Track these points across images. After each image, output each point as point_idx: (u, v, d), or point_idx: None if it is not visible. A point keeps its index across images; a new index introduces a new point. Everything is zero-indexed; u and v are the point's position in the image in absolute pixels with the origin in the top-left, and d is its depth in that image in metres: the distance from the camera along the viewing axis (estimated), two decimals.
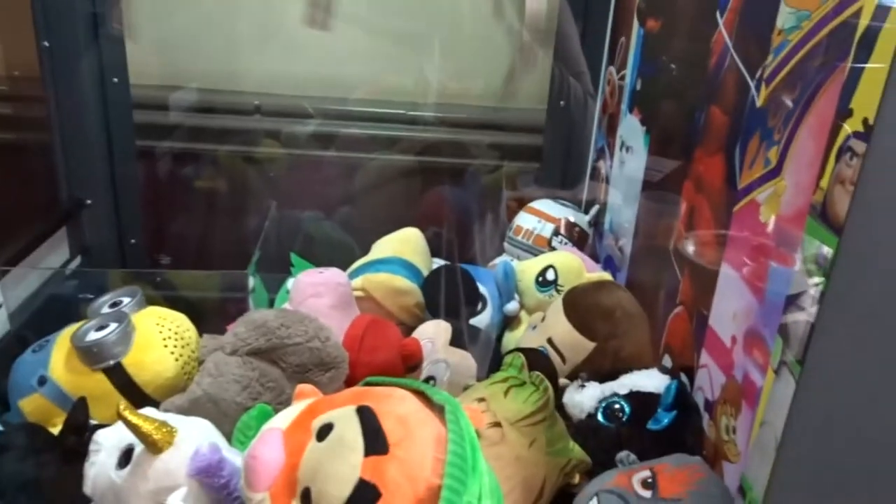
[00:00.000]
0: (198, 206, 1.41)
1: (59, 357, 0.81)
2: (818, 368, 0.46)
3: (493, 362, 0.90)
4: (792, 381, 0.57)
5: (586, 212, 1.25)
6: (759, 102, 0.69)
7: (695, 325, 0.80)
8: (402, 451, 0.50)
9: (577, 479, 0.72)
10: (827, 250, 0.55)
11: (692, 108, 0.84)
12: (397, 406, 0.54)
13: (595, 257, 1.19)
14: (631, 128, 1.06)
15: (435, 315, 0.97)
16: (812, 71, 0.60)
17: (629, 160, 1.07)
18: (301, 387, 0.63)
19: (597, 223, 1.24)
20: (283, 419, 0.56)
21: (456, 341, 0.88)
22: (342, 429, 0.51)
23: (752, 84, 0.70)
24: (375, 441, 0.50)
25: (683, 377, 0.80)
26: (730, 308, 0.71)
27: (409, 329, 0.93)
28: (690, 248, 0.83)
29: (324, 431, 0.52)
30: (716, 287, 0.75)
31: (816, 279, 0.56)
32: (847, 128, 0.53)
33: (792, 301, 0.60)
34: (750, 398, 0.66)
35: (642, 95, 1.04)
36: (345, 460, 0.50)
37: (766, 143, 0.66)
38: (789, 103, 0.63)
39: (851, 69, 0.53)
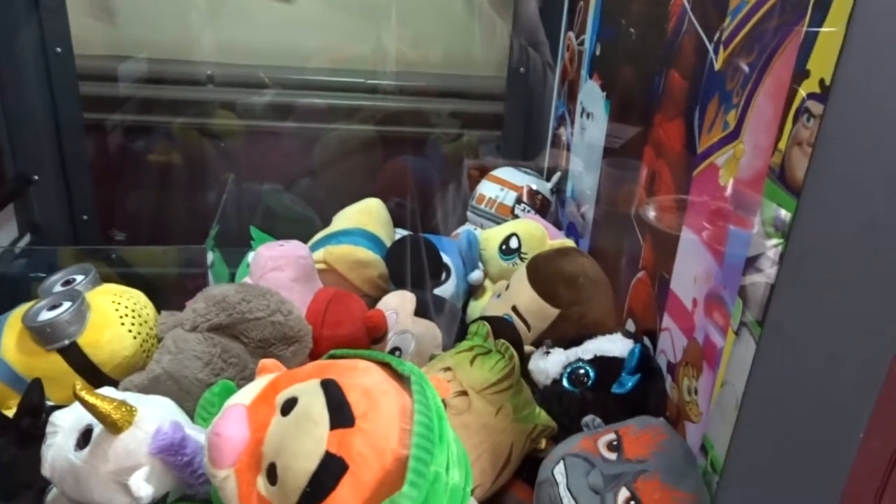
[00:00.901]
0: (152, 180, 1.37)
1: (10, 338, 0.78)
2: (777, 329, 0.47)
3: (458, 332, 0.90)
4: (752, 341, 0.58)
5: (548, 179, 1.25)
6: (717, 66, 0.69)
7: (657, 289, 0.80)
8: (368, 423, 0.50)
9: (543, 444, 0.73)
10: (785, 213, 0.56)
11: (651, 72, 0.84)
12: (362, 378, 0.54)
13: (558, 224, 1.19)
14: (591, 94, 1.06)
15: (399, 286, 0.96)
16: (769, 33, 0.60)
17: (590, 126, 1.07)
18: (264, 361, 0.62)
19: (559, 190, 1.24)
20: (246, 395, 0.55)
21: (421, 312, 0.88)
22: (307, 402, 0.51)
23: (710, 47, 0.70)
24: (340, 414, 0.49)
25: (646, 341, 0.81)
26: (690, 271, 0.72)
27: (373, 301, 0.92)
28: (651, 214, 0.83)
29: (288, 406, 0.52)
30: (676, 251, 0.75)
31: (775, 241, 0.57)
32: (803, 89, 0.53)
33: (751, 263, 0.60)
34: (711, 359, 0.67)
35: (602, 61, 1.04)
36: (310, 434, 0.49)
37: (725, 107, 0.66)
38: (747, 66, 0.63)
39: (808, 30, 0.53)
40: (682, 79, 0.76)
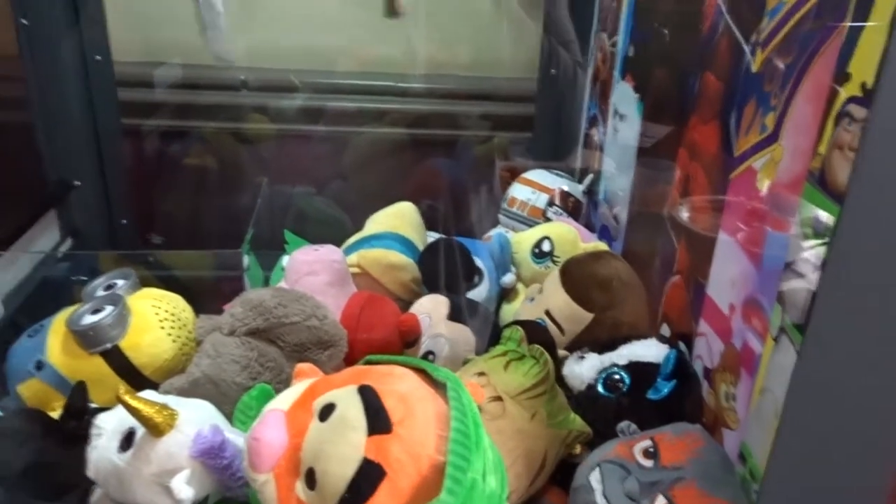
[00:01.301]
0: (188, 184, 1.40)
1: (55, 341, 0.80)
2: (820, 336, 0.46)
3: (491, 335, 0.90)
4: (791, 348, 0.58)
5: (580, 181, 1.24)
6: (754, 67, 0.68)
7: (692, 293, 0.80)
8: (405, 429, 0.50)
9: (578, 449, 0.73)
10: (825, 216, 0.55)
11: (686, 74, 0.83)
12: (398, 384, 0.54)
13: (590, 227, 1.18)
14: (624, 95, 1.05)
15: (432, 289, 0.96)
16: (808, 34, 0.59)
17: (623, 128, 1.06)
18: (300, 366, 0.63)
19: (591, 192, 1.23)
20: (285, 400, 0.56)
21: (454, 315, 0.88)
22: (344, 408, 0.51)
23: (746, 49, 0.69)
24: (378, 420, 0.50)
25: (682, 346, 0.80)
26: (727, 276, 0.71)
27: (406, 304, 0.93)
28: (686, 216, 0.83)
29: (326, 411, 0.52)
30: (713, 255, 0.74)
31: (814, 246, 0.56)
32: (844, 92, 0.53)
33: (789, 268, 0.60)
34: (749, 365, 0.66)
35: (634, 62, 1.03)
36: (348, 440, 0.49)
37: (762, 109, 0.65)
38: (785, 68, 0.62)
39: (848, 32, 0.53)
40: (718, 81, 0.75)
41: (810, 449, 0.49)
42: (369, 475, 0.48)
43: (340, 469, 0.49)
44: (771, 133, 0.63)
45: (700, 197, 0.79)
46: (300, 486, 0.51)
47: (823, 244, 0.55)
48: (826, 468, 0.48)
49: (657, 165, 0.94)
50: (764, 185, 0.64)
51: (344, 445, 0.49)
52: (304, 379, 0.62)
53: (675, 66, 0.89)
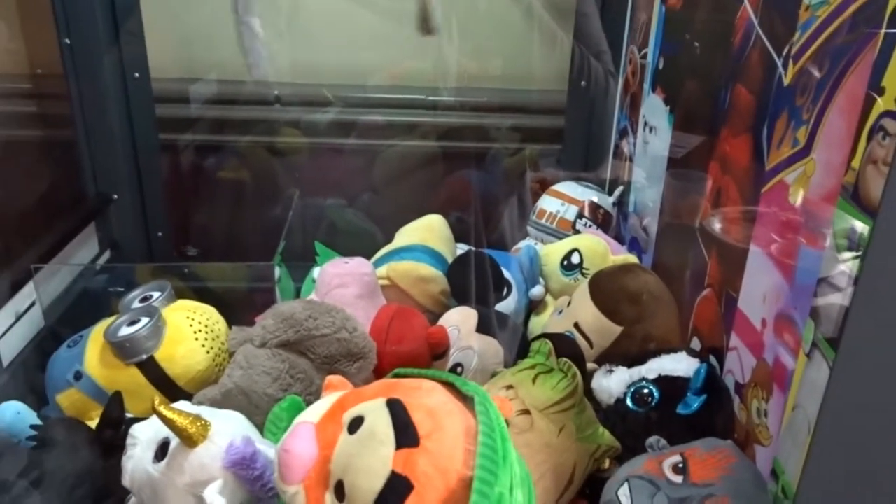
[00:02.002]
0: (222, 197, 1.42)
1: (93, 352, 0.82)
2: (853, 352, 0.46)
3: (519, 348, 0.90)
4: (824, 363, 0.57)
5: (610, 193, 1.24)
6: (786, 81, 0.67)
7: (723, 307, 0.79)
8: (433, 443, 0.50)
9: (606, 464, 0.72)
10: (858, 231, 0.54)
11: (717, 87, 0.82)
12: (426, 398, 0.55)
13: (620, 239, 1.18)
14: (654, 107, 1.05)
15: (461, 302, 0.97)
16: (841, 47, 0.58)
17: (653, 140, 1.06)
18: (330, 378, 0.64)
19: (620, 204, 1.23)
20: (314, 412, 0.57)
21: (482, 328, 0.88)
22: (373, 422, 0.52)
23: (778, 62, 0.69)
24: (406, 434, 0.50)
25: (713, 360, 0.80)
26: (759, 290, 0.70)
27: (434, 317, 0.93)
28: (718, 230, 0.82)
29: (354, 424, 0.53)
30: (744, 269, 0.74)
31: (848, 261, 0.55)
32: (879, 105, 0.52)
33: (823, 283, 0.59)
34: (781, 381, 0.65)
35: (665, 74, 1.02)
36: (376, 453, 0.50)
37: (795, 123, 0.65)
38: (818, 82, 0.61)
39: (882, 45, 0.52)
40: (750, 94, 0.74)
41: (844, 466, 0.48)
42: (397, 488, 0.48)
43: (369, 482, 0.49)
44: (803, 147, 0.63)
45: (732, 209, 0.79)
46: (329, 498, 0.52)
47: (856, 258, 0.54)
48: (860, 485, 0.47)
49: (688, 177, 0.93)
50: (796, 199, 0.64)
51: (372, 459, 0.50)
52: (334, 392, 0.63)
53: (706, 78, 0.88)
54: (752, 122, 0.73)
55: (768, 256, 0.69)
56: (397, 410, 0.51)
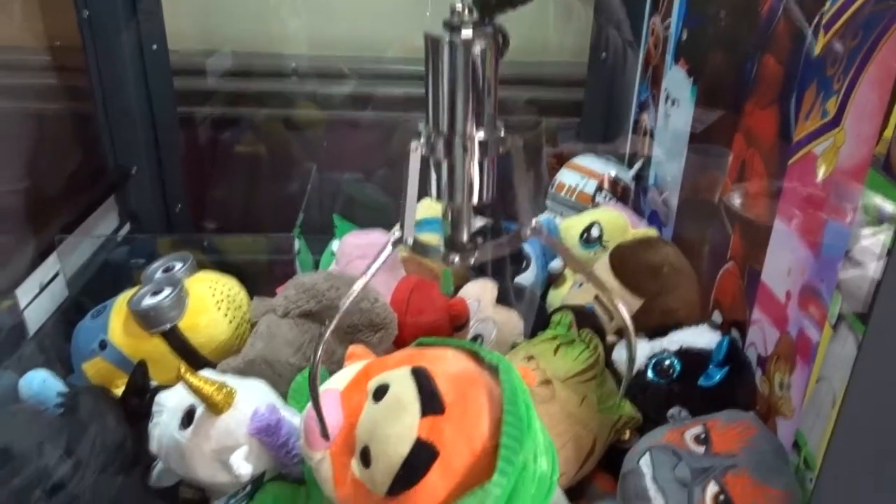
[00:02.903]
0: (239, 170, 1.43)
1: (117, 322, 0.83)
2: (883, 326, 0.45)
3: (538, 320, 0.90)
4: (851, 337, 0.56)
5: (630, 166, 1.23)
6: (815, 51, 0.66)
7: (746, 280, 0.78)
8: (458, 410, 0.51)
9: (627, 435, 0.73)
10: (889, 204, 0.53)
11: (743, 58, 0.81)
12: (450, 366, 0.55)
13: (639, 212, 1.17)
14: (676, 80, 1.04)
15: (480, 274, 0.97)
16: (874, 16, 0.57)
17: (675, 113, 1.05)
18: (353, 348, 0.64)
19: (640, 177, 1.22)
20: (339, 380, 0.57)
21: (502, 300, 0.89)
22: (398, 389, 0.52)
23: (808, 32, 0.67)
24: (431, 401, 0.50)
25: (735, 333, 0.79)
26: (784, 263, 0.70)
27: (454, 289, 0.93)
28: (742, 203, 0.81)
29: (380, 392, 0.53)
30: (769, 242, 0.73)
31: (878, 233, 0.55)
32: None
33: (850, 255, 0.58)
34: (805, 354, 0.65)
35: (688, 46, 1.01)
36: (401, 420, 0.50)
37: (824, 94, 0.64)
38: (849, 51, 0.60)
39: None
40: (777, 65, 0.73)
41: (869, 438, 0.48)
42: (423, 455, 0.49)
43: (394, 448, 0.50)
44: (832, 118, 0.62)
45: (756, 182, 0.78)
46: (355, 464, 0.52)
47: (887, 230, 0.54)
48: (885, 457, 0.47)
49: (710, 151, 0.92)
50: (825, 172, 0.63)
51: (397, 426, 0.50)
52: (357, 361, 0.64)
53: (732, 49, 0.87)
54: (779, 93, 0.72)
55: (794, 229, 0.68)
56: (422, 378, 0.52)
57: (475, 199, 0.46)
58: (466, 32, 0.40)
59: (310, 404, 0.57)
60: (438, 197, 0.46)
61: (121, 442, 0.71)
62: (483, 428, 0.50)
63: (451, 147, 0.42)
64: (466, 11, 0.40)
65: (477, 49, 0.40)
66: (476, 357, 0.58)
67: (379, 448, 0.51)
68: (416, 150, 0.44)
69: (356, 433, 0.53)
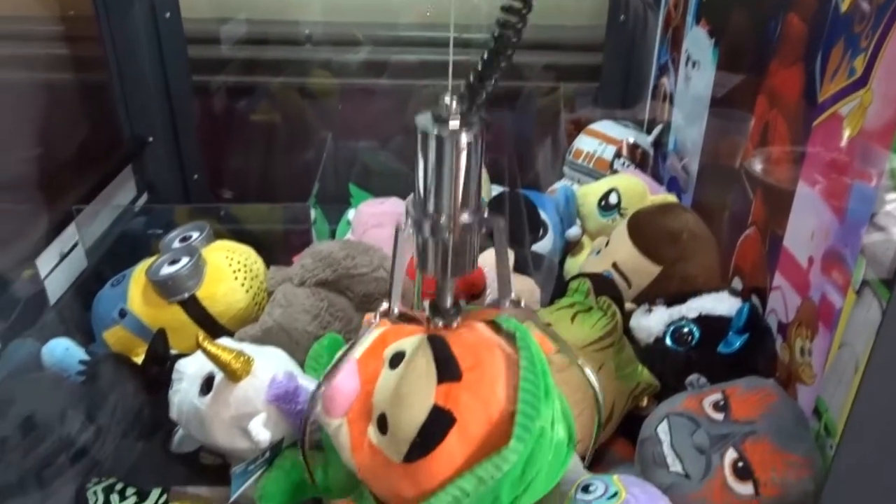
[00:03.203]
0: (255, 139, 1.42)
1: (136, 291, 0.84)
2: None
3: (555, 289, 0.90)
4: (875, 302, 0.55)
5: (649, 132, 1.21)
6: (843, 8, 0.64)
7: (768, 246, 0.77)
8: (475, 377, 0.50)
9: (645, 401, 0.72)
10: None
11: (766, 16, 0.79)
12: (467, 334, 0.55)
13: (658, 178, 1.16)
14: (697, 41, 1.01)
15: None
16: None
17: (695, 76, 1.02)
18: (369, 317, 0.64)
19: (659, 143, 1.20)
20: (357, 348, 0.57)
21: (518, 268, 0.88)
22: (414, 356, 0.52)
23: None
24: (447, 368, 0.50)
25: (755, 300, 0.78)
26: (807, 228, 0.69)
27: None
28: (764, 167, 0.80)
29: (396, 359, 0.53)
30: (791, 206, 0.72)
31: None
32: None
33: (875, 220, 0.57)
34: (827, 320, 0.64)
35: (710, 5, 0.98)
36: (418, 387, 0.50)
37: (851, 52, 0.62)
38: (877, 7, 0.58)
39: None
40: (802, 22, 0.71)
41: (893, 404, 0.47)
42: (440, 421, 0.49)
43: (411, 415, 0.50)
44: (860, 77, 0.60)
45: (779, 145, 0.76)
46: (372, 431, 0.52)
47: None
48: None
49: (732, 114, 0.90)
50: (851, 133, 0.61)
51: (414, 392, 0.50)
52: (376, 329, 0.64)
53: (755, 8, 0.84)
54: (804, 52, 0.70)
55: (818, 192, 0.67)
56: (439, 345, 0.51)
57: (459, 273, 0.49)
58: (454, 124, 0.43)
59: (326, 372, 0.57)
60: (424, 269, 0.49)
61: (141, 408, 0.72)
62: (500, 394, 0.50)
63: (436, 228, 0.46)
64: (454, 104, 0.43)
65: (463, 141, 0.43)
66: (494, 325, 0.58)
67: (395, 414, 0.51)
68: (403, 231, 0.47)
69: (373, 400, 0.53)
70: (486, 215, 0.48)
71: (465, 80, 0.43)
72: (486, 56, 0.42)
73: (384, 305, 0.51)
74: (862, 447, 0.49)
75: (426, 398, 0.50)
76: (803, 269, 0.69)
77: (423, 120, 0.44)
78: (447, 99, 0.43)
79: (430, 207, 0.45)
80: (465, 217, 0.46)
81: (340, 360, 0.53)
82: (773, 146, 0.78)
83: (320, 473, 0.61)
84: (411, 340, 0.54)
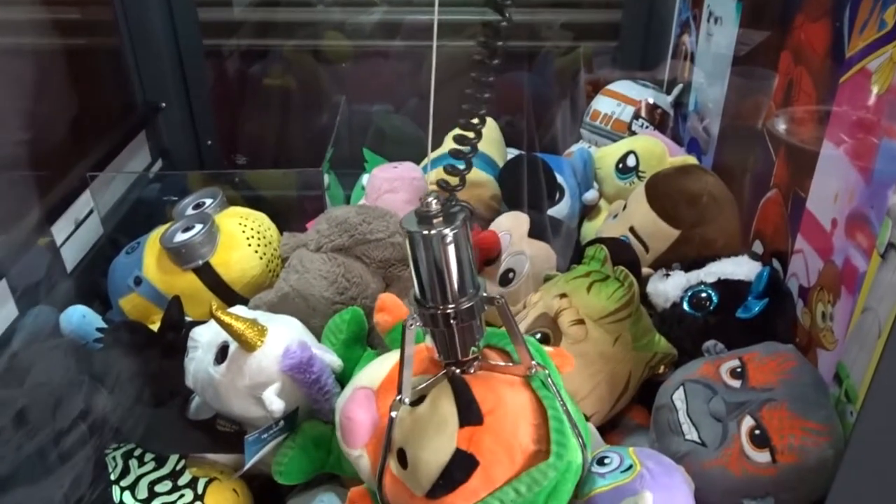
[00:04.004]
0: (268, 105, 1.41)
1: (150, 258, 0.84)
2: None
3: (573, 253, 0.88)
4: None
5: (668, 92, 1.18)
6: None
7: (790, 208, 0.75)
8: (497, 420, 0.50)
9: (661, 369, 0.71)
10: None
11: None
12: (487, 373, 0.53)
13: (678, 140, 1.13)
14: None
15: (512, 207, 0.95)
16: None
17: (717, 32, 0.99)
18: (383, 298, 0.64)
19: (679, 104, 1.17)
20: (372, 377, 0.56)
21: (535, 233, 0.87)
22: (435, 398, 0.51)
23: None
24: (469, 411, 0.50)
25: (776, 264, 0.77)
26: (831, 189, 0.67)
27: (486, 222, 0.92)
28: (788, 126, 0.77)
29: (416, 399, 0.52)
30: (815, 167, 0.69)
31: None
32: None
33: None
34: (850, 283, 0.62)
35: None
36: (440, 431, 0.50)
37: (883, 3, 0.59)
38: None
39: None
40: None
41: None
42: (462, 464, 0.49)
43: (433, 457, 0.49)
44: (891, 29, 0.57)
45: (804, 104, 0.73)
46: (393, 463, 0.52)
47: None
48: None
49: (755, 72, 0.87)
50: (880, 89, 0.59)
51: (436, 436, 0.50)
52: (386, 315, 0.63)
53: None
54: (831, 5, 0.67)
55: (843, 152, 0.65)
56: (461, 388, 0.50)
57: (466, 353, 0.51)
58: (438, 222, 0.46)
59: (344, 398, 0.56)
60: (439, 354, 0.51)
61: (158, 375, 0.72)
62: (522, 436, 0.50)
63: (440, 319, 0.48)
64: (435, 204, 0.46)
65: (449, 236, 0.46)
66: (503, 352, 0.56)
67: (416, 454, 0.50)
68: (411, 327, 0.49)
69: (393, 434, 0.52)
70: (485, 293, 0.50)
71: (440, 182, 0.47)
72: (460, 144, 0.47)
73: (397, 399, 0.51)
74: (884, 414, 0.48)
75: (448, 442, 0.49)
76: (826, 232, 0.67)
77: (408, 222, 0.47)
78: (429, 199, 0.46)
79: (430, 302, 0.48)
80: (464, 302, 0.48)
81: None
82: (797, 105, 0.75)
83: (338, 450, 0.61)
84: (430, 379, 0.53)
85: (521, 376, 0.53)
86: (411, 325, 0.49)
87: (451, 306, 0.47)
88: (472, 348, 0.51)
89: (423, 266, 0.47)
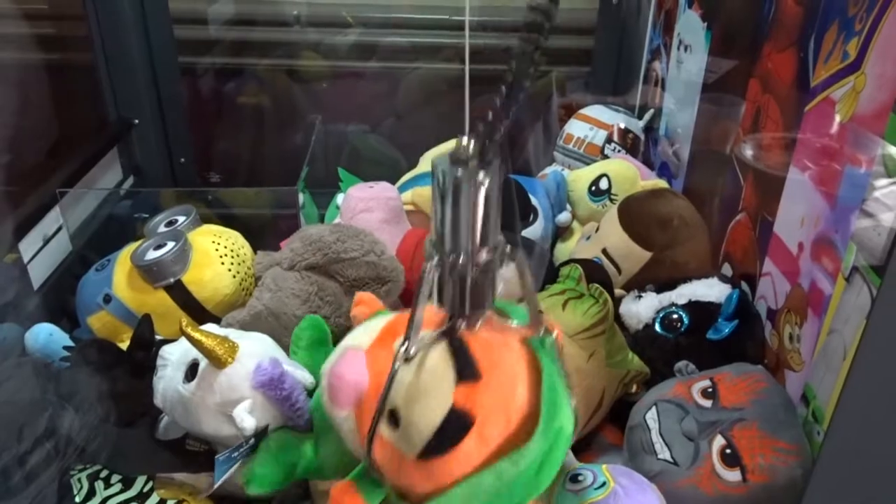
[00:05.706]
0: (243, 122, 1.41)
1: (121, 276, 0.83)
2: None
3: (546, 274, 0.89)
4: (865, 288, 0.55)
5: (640, 117, 1.20)
6: None
7: (758, 232, 0.77)
8: (494, 378, 0.49)
9: (635, 388, 0.72)
10: None
11: None
12: (484, 332, 0.53)
13: (649, 164, 1.15)
14: (690, 24, 1.00)
15: None
16: None
17: (687, 60, 1.01)
18: (360, 295, 0.62)
19: (650, 128, 1.19)
20: (362, 337, 0.55)
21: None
22: (430, 354, 0.51)
23: None
24: (467, 369, 0.48)
25: (745, 286, 0.78)
26: (797, 214, 0.68)
27: None
28: (755, 152, 0.79)
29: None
30: (782, 192, 0.71)
31: None
32: None
33: (868, 205, 0.56)
34: (817, 306, 0.64)
35: None
36: (436, 388, 0.48)
37: (846, 35, 0.61)
38: None
39: None
40: (797, 5, 0.70)
41: (881, 391, 0.47)
42: (457, 423, 0.47)
43: (426, 416, 0.48)
44: (854, 60, 0.59)
45: (771, 130, 0.75)
46: (383, 425, 0.51)
47: None
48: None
49: (723, 99, 0.90)
50: (843, 117, 0.61)
51: (431, 393, 0.48)
52: (364, 308, 0.62)
53: None
54: (798, 35, 0.70)
55: (809, 178, 0.66)
56: (457, 344, 0.49)
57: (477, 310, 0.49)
58: (472, 165, 0.43)
59: (330, 360, 0.55)
60: (442, 304, 0.49)
61: (126, 395, 0.71)
62: (519, 396, 0.49)
63: (456, 268, 0.46)
64: (472, 146, 0.43)
65: (483, 180, 0.44)
66: (500, 312, 0.56)
67: (410, 414, 0.49)
68: (430, 273, 0.47)
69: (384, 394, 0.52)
70: (507, 248, 0.48)
71: (481, 120, 0.43)
72: (503, 89, 0.42)
73: (403, 347, 0.49)
74: (850, 434, 0.49)
75: (444, 399, 0.48)
76: (793, 256, 0.68)
77: (441, 162, 0.44)
78: (465, 140, 0.43)
79: (449, 247, 0.46)
80: (483, 254, 0.46)
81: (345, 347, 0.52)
82: (764, 131, 0.77)
83: (311, 454, 0.60)
84: (425, 335, 0.52)
85: (527, 337, 0.51)
86: (429, 270, 0.47)
87: (476, 255, 0.45)
88: (485, 304, 0.49)
89: (448, 209, 0.45)
